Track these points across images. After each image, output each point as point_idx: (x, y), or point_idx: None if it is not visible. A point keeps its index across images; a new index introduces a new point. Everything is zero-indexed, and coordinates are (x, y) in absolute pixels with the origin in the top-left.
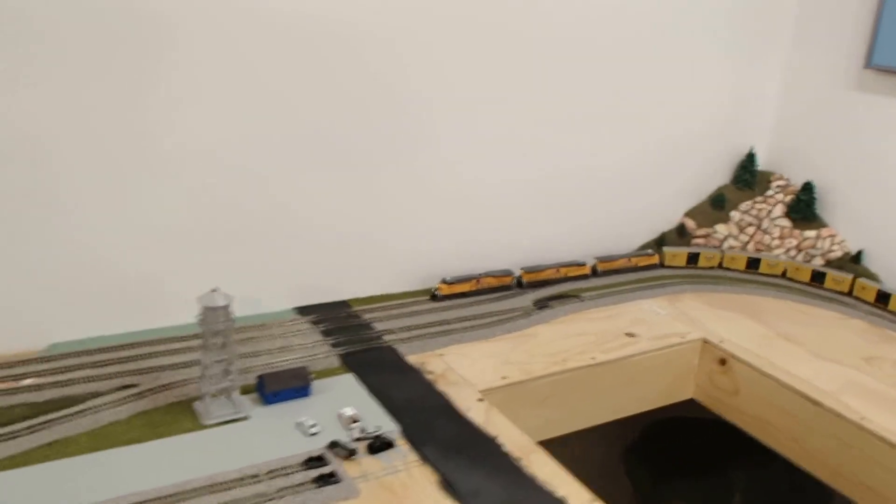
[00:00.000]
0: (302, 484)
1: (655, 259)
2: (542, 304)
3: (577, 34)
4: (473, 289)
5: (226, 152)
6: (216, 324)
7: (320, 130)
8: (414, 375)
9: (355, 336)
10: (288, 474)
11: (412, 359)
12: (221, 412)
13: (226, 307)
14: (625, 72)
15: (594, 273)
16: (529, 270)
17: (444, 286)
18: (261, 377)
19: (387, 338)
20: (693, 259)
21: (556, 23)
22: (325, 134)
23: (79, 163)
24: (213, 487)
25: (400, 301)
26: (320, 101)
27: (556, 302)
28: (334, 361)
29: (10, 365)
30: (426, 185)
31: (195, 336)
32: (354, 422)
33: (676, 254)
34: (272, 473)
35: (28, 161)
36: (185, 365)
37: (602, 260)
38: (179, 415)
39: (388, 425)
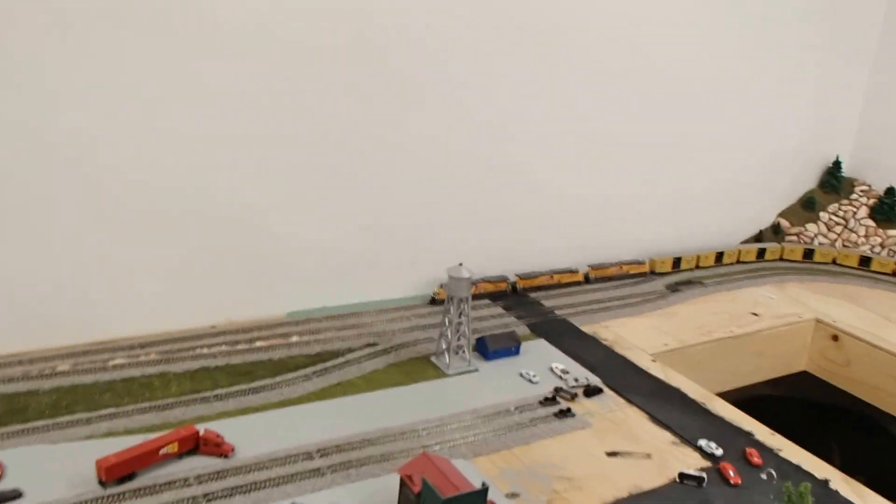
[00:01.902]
0: (546, 417)
1: (645, 267)
2: (673, 288)
3: (680, 66)
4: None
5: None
6: (459, 291)
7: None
8: (592, 341)
9: (531, 311)
10: (532, 409)
11: (585, 329)
12: (458, 365)
13: (468, 279)
14: (726, 95)
15: (586, 280)
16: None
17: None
18: (481, 338)
19: (558, 312)
20: (810, 254)
21: (657, 56)
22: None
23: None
24: (478, 416)
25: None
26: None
27: (685, 287)
28: (525, 330)
29: (269, 327)
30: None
31: (405, 308)
32: (565, 373)
33: (664, 260)
34: (520, 409)
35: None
36: (409, 329)
37: (595, 267)
38: (422, 367)
39: (591, 378)
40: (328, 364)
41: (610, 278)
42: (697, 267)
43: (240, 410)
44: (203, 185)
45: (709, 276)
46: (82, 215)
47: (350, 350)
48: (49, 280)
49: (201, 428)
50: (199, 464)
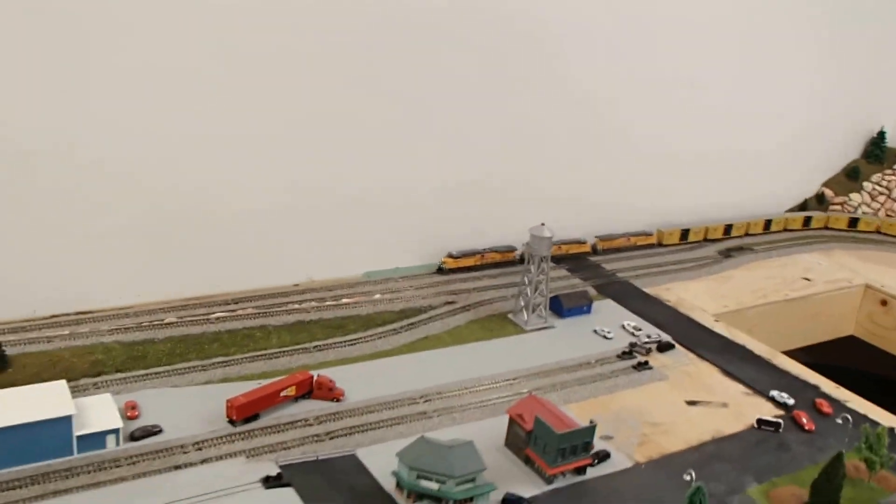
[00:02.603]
0: (625, 370)
1: (654, 239)
2: (726, 254)
3: (733, 37)
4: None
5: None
6: (540, 250)
7: None
8: (656, 302)
9: (595, 273)
10: (611, 363)
11: (648, 290)
12: (536, 321)
13: (549, 238)
14: (774, 65)
15: (594, 251)
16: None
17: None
18: (556, 297)
19: (620, 275)
20: (854, 223)
21: (716, 29)
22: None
23: None
24: (561, 368)
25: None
26: None
27: (737, 253)
28: (591, 290)
29: (350, 286)
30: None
31: (477, 268)
32: (638, 330)
33: (672, 232)
34: (600, 362)
35: None
36: (484, 288)
37: (602, 238)
38: (500, 323)
39: (662, 335)
40: (413, 319)
41: (666, 244)
42: (747, 234)
43: (339, 360)
44: (296, 157)
45: (758, 242)
46: (185, 181)
47: (431, 307)
48: (151, 237)
49: (313, 374)
50: (315, 406)
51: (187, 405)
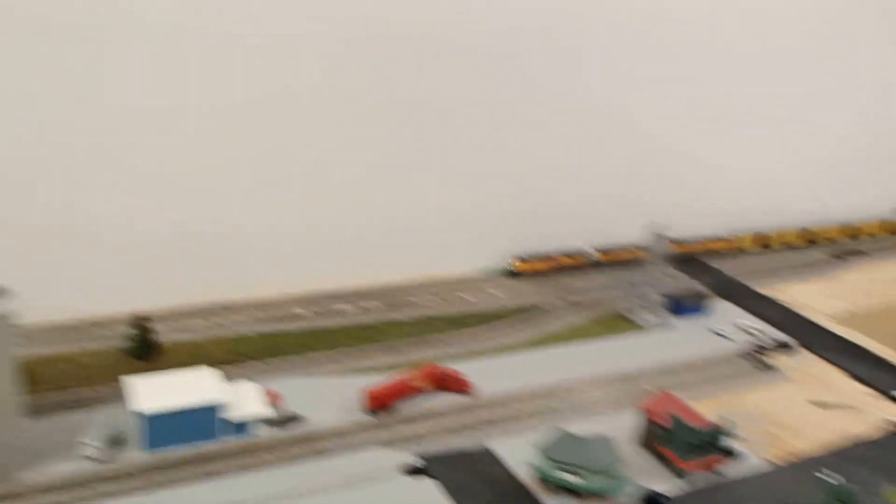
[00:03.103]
0: (747, 369)
1: (733, 244)
2: (838, 256)
3: (815, 36)
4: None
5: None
6: (659, 249)
7: None
8: (771, 302)
9: (704, 273)
10: (733, 362)
11: (762, 290)
12: (653, 320)
13: (667, 238)
14: (858, 66)
15: (765, 246)
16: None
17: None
18: (672, 296)
19: (731, 275)
20: None
21: (794, 28)
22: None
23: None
24: (683, 366)
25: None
26: None
27: (850, 256)
28: (703, 289)
29: (467, 282)
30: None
31: (619, 262)
32: (756, 330)
33: (828, 230)
34: (722, 360)
35: None
36: (601, 287)
37: (678, 243)
38: (618, 321)
39: (780, 335)
40: (532, 316)
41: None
42: (853, 237)
43: (464, 354)
44: (413, 155)
45: (873, 247)
46: (319, 180)
47: (549, 304)
48: (285, 234)
49: (444, 368)
50: (447, 399)
51: (323, 395)
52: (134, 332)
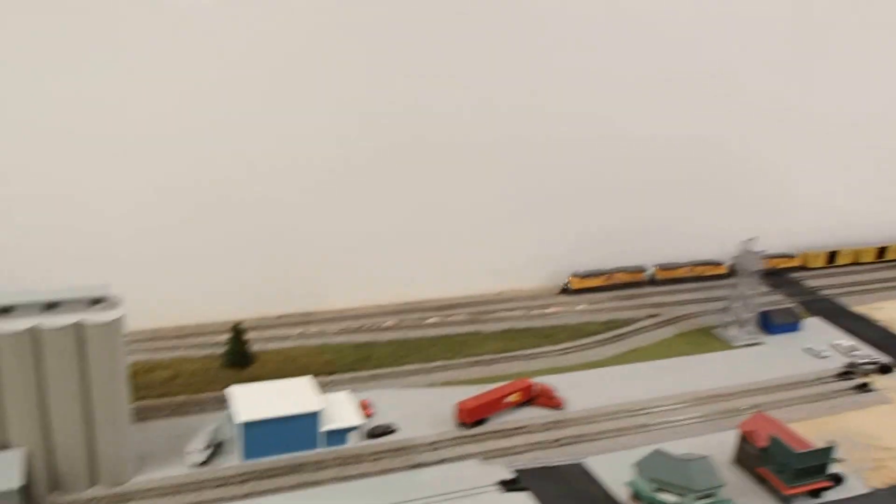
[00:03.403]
0: (845, 390)
1: (798, 261)
2: None
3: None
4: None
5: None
6: (750, 265)
7: None
8: (866, 321)
9: (794, 291)
10: (829, 383)
11: (856, 308)
12: (744, 337)
13: (759, 253)
14: None
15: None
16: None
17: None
18: (765, 313)
19: (822, 293)
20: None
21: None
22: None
23: None
24: (777, 385)
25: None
26: None
27: None
28: (797, 308)
29: (551, 295)
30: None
31: (677, 280)
32: (854, 350)
33: (818, 254)
34: (818, 380)
35: None
36: (686, 302)
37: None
38: (705, 337)
39: (878, 355)
40: (619, 331)
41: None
42: None
43: (551, 369)
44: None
45: None
46: (406, 196)
47: (635, 319)
48: (376, 244)
49: (535, 382)
50: (537, 413)
51: (414, 406)
52: (230, 340)
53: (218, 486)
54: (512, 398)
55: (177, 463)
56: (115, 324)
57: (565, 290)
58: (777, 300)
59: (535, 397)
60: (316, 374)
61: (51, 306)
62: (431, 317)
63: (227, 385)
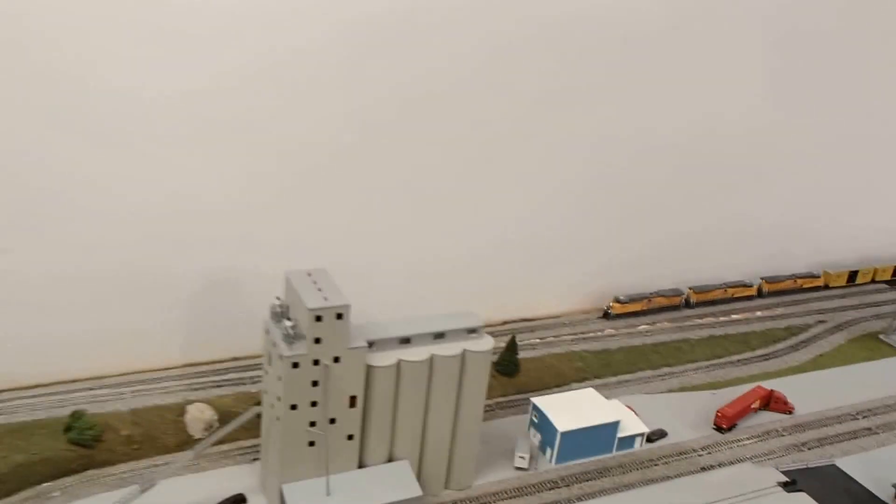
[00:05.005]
0: None
1: (820, 281)
2: None
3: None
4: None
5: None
6: None
7: None
8: None
9: None
10: None
11: None
12: None
13: None
14: None
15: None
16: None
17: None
18: None
19: None
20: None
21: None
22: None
23: None
24: None
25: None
26: None
27: None
28: None
29: (735, 301)
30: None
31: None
32: None
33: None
34: None
35: None
36: (851, 307)
37: (768, 280)
38: (873, 343)
39: None
40: (801, 337)
41: None
42: None
43: (764, 374)
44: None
45: None
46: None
47: (807, 326)
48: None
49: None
50: (774, 418)
51: (665, 411)
52: (506, 349)
53: (550, 489)
54: (755, 405)
55: (500, 466)
56: (489, 352)
57: (606, 315)
58: None
59: (771, 403)
60: (571, 381)
61: (438, 336)
62: (641, 325)
63: (503, 392)
